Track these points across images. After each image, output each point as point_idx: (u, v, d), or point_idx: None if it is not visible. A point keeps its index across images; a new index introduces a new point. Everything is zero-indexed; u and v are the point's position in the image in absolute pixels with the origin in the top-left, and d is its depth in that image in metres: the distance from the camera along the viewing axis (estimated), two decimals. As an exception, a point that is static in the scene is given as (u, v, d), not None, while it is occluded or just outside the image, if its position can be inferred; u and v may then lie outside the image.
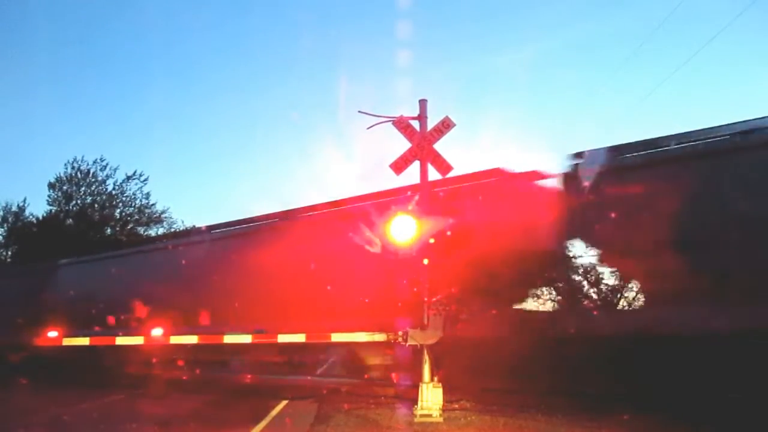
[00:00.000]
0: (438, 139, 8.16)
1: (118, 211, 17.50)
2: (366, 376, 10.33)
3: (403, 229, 7.29)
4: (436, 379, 7.42)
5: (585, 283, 15.86)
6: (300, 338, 9.17)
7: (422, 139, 8.14)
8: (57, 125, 45.06)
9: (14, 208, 17.62)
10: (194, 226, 18.82)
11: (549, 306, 16.26)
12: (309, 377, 11.10)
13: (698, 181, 7.08)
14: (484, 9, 37.71)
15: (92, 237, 16.59)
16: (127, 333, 11.65)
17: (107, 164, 17.50)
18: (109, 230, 17.26)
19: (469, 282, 8.02)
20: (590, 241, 7.98)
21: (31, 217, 17.61)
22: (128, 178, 17.45)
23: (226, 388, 10.81)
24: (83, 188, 17.31)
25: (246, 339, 9.64)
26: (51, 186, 17.29)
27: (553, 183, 8.23)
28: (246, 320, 10.72)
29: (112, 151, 51.03)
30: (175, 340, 10.61)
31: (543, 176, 8.35)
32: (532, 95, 38.45)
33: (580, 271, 15.88)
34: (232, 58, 48.18)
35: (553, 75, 37.51)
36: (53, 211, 17.13)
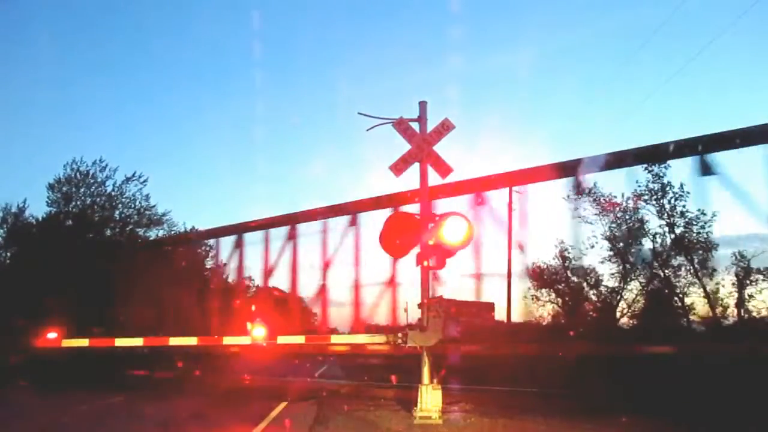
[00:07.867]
0: (438, 141, 8.13)
1: (118, 212, 17.39)
2: (365, 377, 10.33)
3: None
4: (435, 381, 7.41)
5: (585, 285, 15.85)
6: (299, 340, 9.17)
7: (422, 141, 8.12)
8: (57, 126, 45.13)
9: (14, 210, 17.51)
10: (194, 227, 18.69)
11: (549, 308, 16.29)
12: (308, 379, 11.10)
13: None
14: (484, 9, 37.72)
15: (92, 238, 16.50)
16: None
17: (107, 165, 17.36)
18: (108, 231, 17.16)
19: None
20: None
21: (30, 218, 17.52)
22: (127, 179, 17.34)
23: (226, 389, 10.79)
24: (82, 189, 17.23)
25: (245, 341, 9.64)
26: (50, 187, 17.19)
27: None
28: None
29: (113, 152, 51.19)
30: (174, 341, 10.60)
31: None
32: (532, 96, 38.50)
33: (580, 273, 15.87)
34: (233, 60, 48.26)
35: (554, 76, 37.57)
36: (53, 212, 17.06)
